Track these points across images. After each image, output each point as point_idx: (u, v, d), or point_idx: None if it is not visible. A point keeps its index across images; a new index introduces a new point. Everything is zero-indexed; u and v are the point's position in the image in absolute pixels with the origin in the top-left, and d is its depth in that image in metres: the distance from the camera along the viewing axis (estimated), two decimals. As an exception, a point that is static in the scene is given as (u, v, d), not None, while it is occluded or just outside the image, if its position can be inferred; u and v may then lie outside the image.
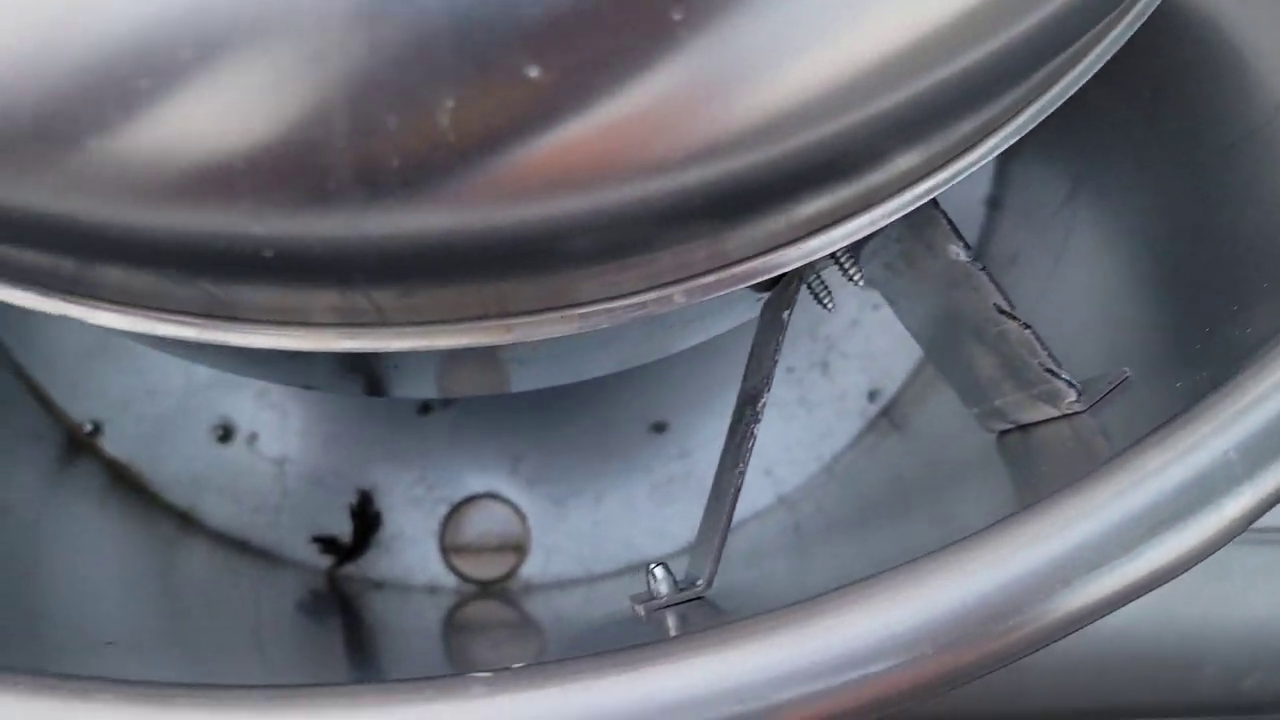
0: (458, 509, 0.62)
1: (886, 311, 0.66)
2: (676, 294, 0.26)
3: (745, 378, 0.33)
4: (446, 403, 0.63)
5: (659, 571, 0.31)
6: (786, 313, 0.29)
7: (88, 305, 0.25)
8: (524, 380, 0.40)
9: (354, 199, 0.20)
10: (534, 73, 0.19)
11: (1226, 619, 0.57)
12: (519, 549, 0.63)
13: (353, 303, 0.24)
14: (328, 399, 0.62)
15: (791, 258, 0.26)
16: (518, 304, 0.26)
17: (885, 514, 0.59)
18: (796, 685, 0.21)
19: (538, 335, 0.26)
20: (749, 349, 0.64)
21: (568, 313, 0.26)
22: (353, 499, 0.61)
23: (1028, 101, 0.26)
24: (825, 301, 0.33)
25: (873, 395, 0.65)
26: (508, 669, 0.21)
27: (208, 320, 0.25)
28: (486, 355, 0.36)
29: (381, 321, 0.25)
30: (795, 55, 0.21)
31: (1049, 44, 0.24)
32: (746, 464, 0.30)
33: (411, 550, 0.61)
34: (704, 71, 0.20)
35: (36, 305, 0.24)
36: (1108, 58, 0.27)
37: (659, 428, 0.64)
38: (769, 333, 0.30)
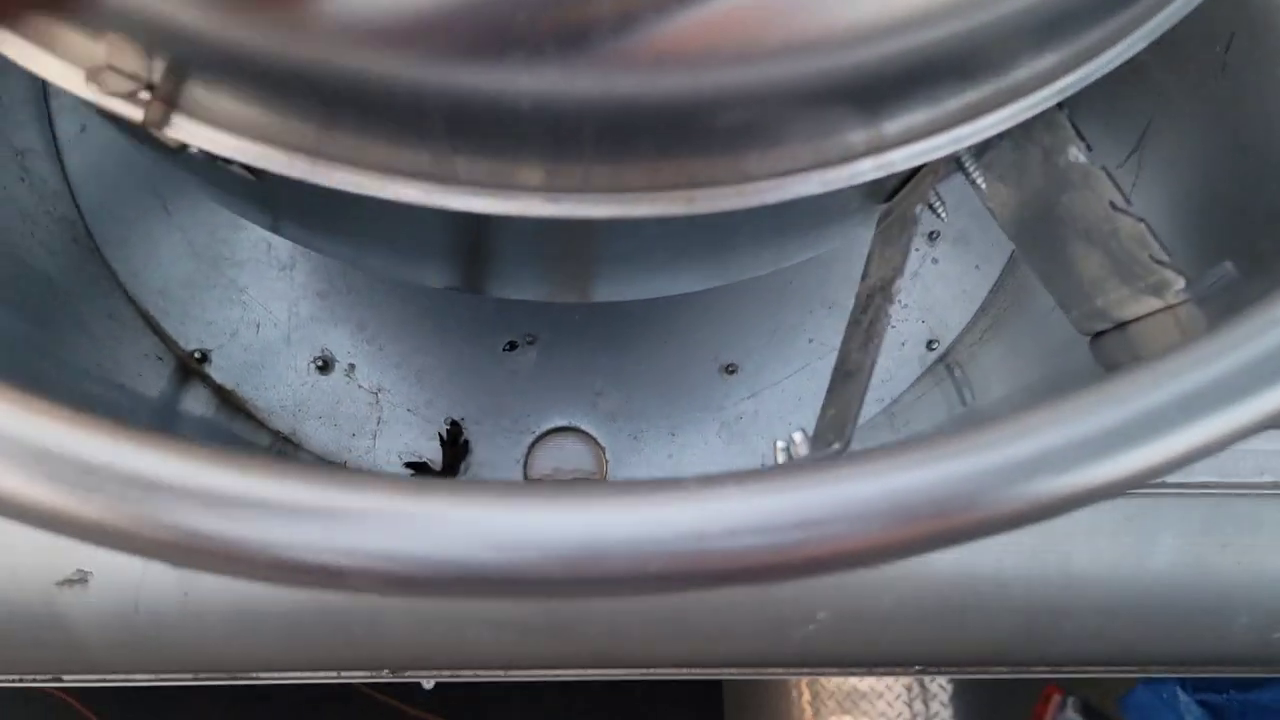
0: (540, 440, 0.66)
1: (945, 265, 0.69)
2: (840, 175, 0.29)
3: (866, 276, 0.36)
4: (531, 340, 0.66)
5: (798, 436, 0.34)
6: (919, 207, 0.33)
7: (326, 166, 0.28)
8: (660, 281, 0.44)
9: (556, 57, 0.23)
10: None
11: (1259, 572, 0.60)
12: (597, 478, 0.66)
13: (562, 169, 0.28)
14: (422, 335, 0.66)
15: (941, 144, 0.29)
16: (699, 176, 0.29)
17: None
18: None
19: (716, 206, 0.29)
20: (814, 296, 0.67)
21: (743, 186, 0.29)
22: (443, 428, 0.65)
23: (1151, 14, 0.30)
24: (940, 211, 0.36)
25: (931, 344, 0.68)
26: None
27: (430, 183, 0.28)
28: (589, 253, 0.39)
29: (585, 187, 0.28)
30: None
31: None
32: (881, 340, 0.33)
33: (497, 477, 0.65)
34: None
35: (282, 167, 0.28)
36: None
37: (730, 369, 0.67)
38: (897, 229, 0.33)
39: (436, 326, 0.67)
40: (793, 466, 0.25)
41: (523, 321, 0.67)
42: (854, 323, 0.37)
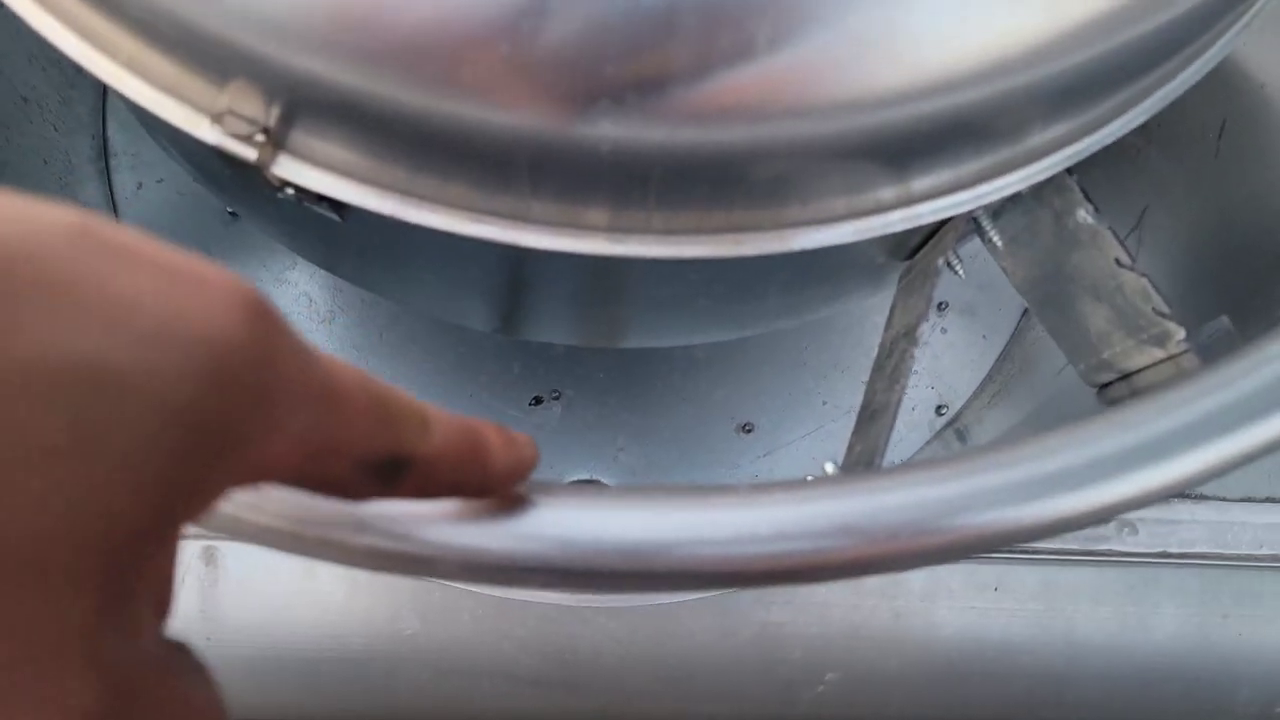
0: (562, 493, 0.68)
1: (953, 335, 0.73)
2: (872, 225, 0.32)
3: (889, 326, 0.39)
4: (557, 395, 0.69)
5: (829, 466, 0.37)
6: (941, 260, 0.36)
7: (415, 205, 0.31)
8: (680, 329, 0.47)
9: (636, 106, 0.27)
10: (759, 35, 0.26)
11: (1260, 645, 0.62)
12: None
13: (626, 213, 0.31)
14: (452, 388, 0.69)
15: (963, 200, 0.33)
16: (744, 222, 0.32)
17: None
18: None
19: (760, 249, 0.32)
20: (828, 360, 0.70)
21: (784, 232, 0.32)
22: (468, 478, 0.67)
23: (1166, 79, 0.33)
24: (956, 268, 0.40)
25: (940, 409, 0.71)
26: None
27: (507, 222, 0.31)
28: (624, 297, 0.42)
29: (645, 229, 0.31)
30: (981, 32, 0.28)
31: (1188, 33, 0.31)
32: (905, 384, 0.36)
33: (519, 528, 0.67)
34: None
35: (376, 205, 0.31)
36: (1227, 51, 0.34)
37: (747, 429, 0.70)
38: (919, 280, 0.37)
39: (466, 380, 0.70)
40: (833, 478, 0.28)
41: (548, 378, 0.70)
42: (878, 368, 0.40)
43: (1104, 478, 0.28)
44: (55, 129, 0.60)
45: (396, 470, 0.18)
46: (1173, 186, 0.57)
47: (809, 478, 0.33)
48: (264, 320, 0.14)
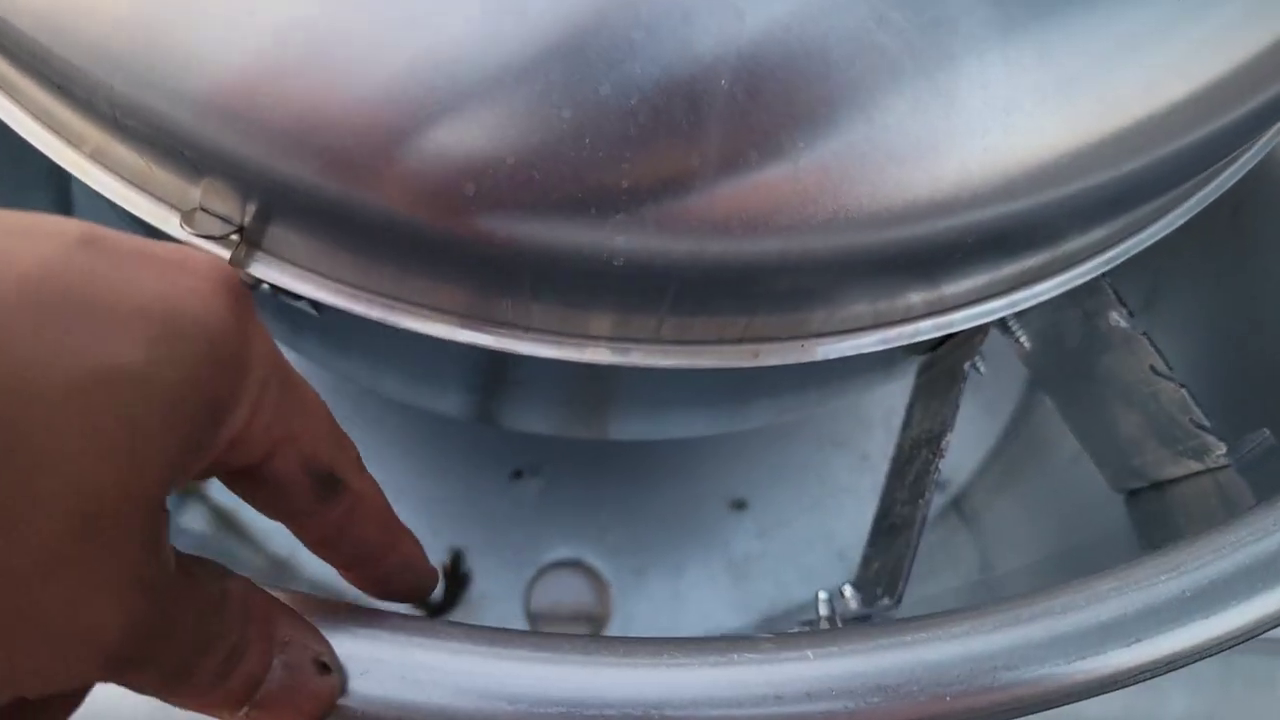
0: (543, 573, 0.65)
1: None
2: (900, 334, 0.30)
3: (908, 426, 0.37)
4: (536, 470, 0.66)
5: (847, 589, 0.34)
6: (968, 364, 0.33)
7: (403, 312, 0.28)
8: (677, 424, 0.44)
9: (653, 219, 0.24)
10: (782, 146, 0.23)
11: None
12: (599, 616, 0.65)
13: (634, 320, 0.28)
14: (427, 460, 0.65)
15: (998, 307, 0.30)
16: (763, 332, 0.30)
17: (948, 597, 0.62)
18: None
19: (780, 360, 0.30)
20: (824, 436, 0.68)
21: (806, 342, 0.30)
22: (445, 558, 0.64)
23: (1200, 186, 0.31)
24: (980, 366, 0.37)
25: (942, 486, 0.68)
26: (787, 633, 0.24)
27: (504, 330, 0.29)
28: (615, 396, 0.40)
29: (655, 339, 0.29)
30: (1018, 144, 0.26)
31: (1243, 135, 0.28)
32: (931, 495, 0.33)
33: (497, 610, 0.64)
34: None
35: (362, 310, 0.28)
36: (1260, 157, 0.32)
37: (739, 505, 0.67)
38: (944, 383, 0.34)
39: (441, 453, 0.66)
40: (866, 627, 0.25)
41: (528, 451, 0.67)
42: (896, 474, 0.37)
43: (1160, 628, 0.25)
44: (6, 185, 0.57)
45: (333, 487, 0.21)
46: (1186, 258, 0.55)
47: (832, 622, 0.30)
48: (242, 299, 0.18)
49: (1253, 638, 0.26)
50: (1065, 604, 0.25)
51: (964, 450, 0.68)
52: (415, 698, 0.22)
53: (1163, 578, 0.26)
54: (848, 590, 0.34)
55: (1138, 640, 0.25)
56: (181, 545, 0.51)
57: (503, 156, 0.23)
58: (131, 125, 0.24)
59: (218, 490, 0.62)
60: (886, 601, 0.33)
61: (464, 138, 0.23)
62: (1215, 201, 0.51)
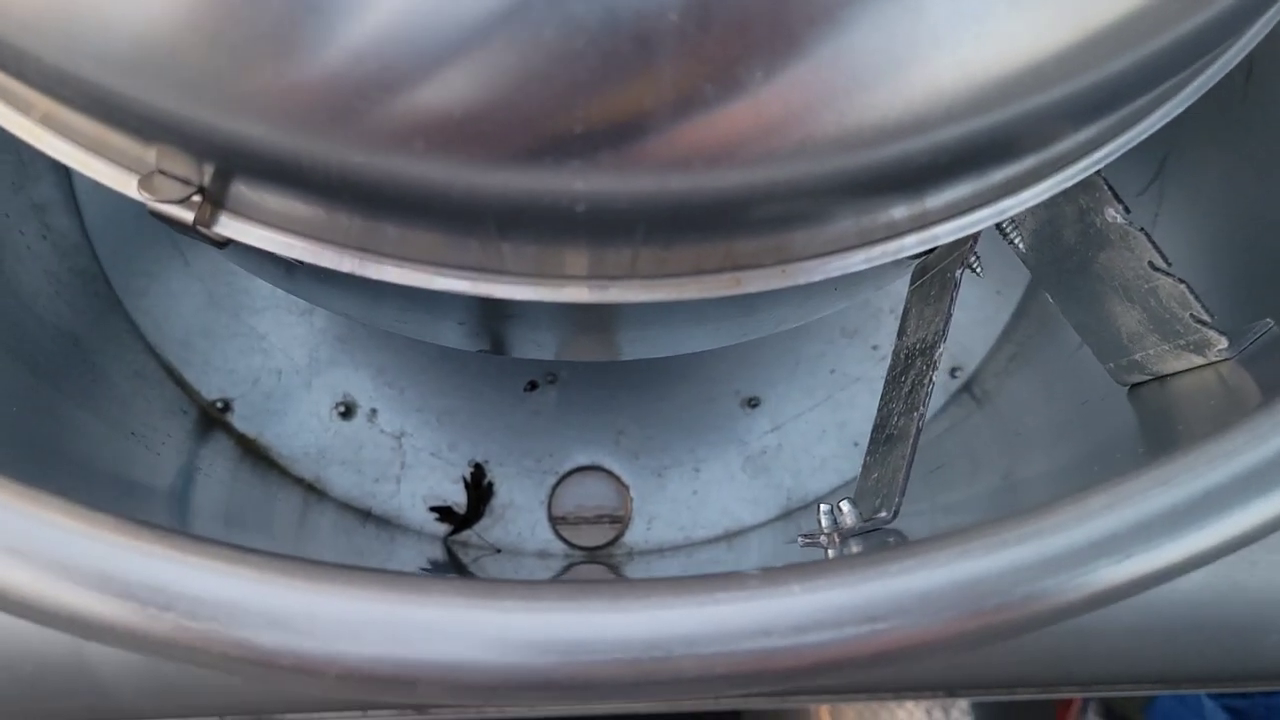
0: (564, 480, 0.66)
1: (964, 291, 0.69)
2: (884, 251, 0.29)
3: (903, 334, 0.36)
4: (552, 379, 0.66)
5: (845, 505, 0.34)
6: (959, 270, 0.33)
7: (374, 261, 0.28)
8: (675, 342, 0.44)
9: (610, 161, 0.23)
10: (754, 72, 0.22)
11: None
12: (622, 518, 0.66)
13: (609, 256, 0.28)
14: (442, 377, 0.66)
15: (985, 217, 0.29)
16: (744, 259, 0.29)
17: (958, 476, 0.63)
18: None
19: (762, 287, 0.29)
20: (835, 327, 0.67)
21: (788, 266, 0.29)
22: (467, 471, 0.65)
23: (1194, 76, 0.30)
24: (976, 268, 0.36)
25: (954, 371, 0.68)
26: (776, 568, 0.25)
27: (477, 274, 0.28)
28: (615, 321, 0.39)
29: (631, 273, 0.28)
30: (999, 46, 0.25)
31: (1217, 34, 0.27)
32: (925, 410, 0.33)
33: (522, 519, 0.65)
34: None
35: (331, 263, 0.28)
36: (1259, 40, 0.30)
37: (752, 403, 0.67)
38: (936, 290, 0.33)
39: (456, 369, 0.67)
40: (853, 558, 0.25)
41: (542, 362, 0.67)
42: (893, 381, 0.37)
43: (1160, 539, 0.25)
44: (10, 176, 0.56)
45: None
46: (1196, 130, 0.53)
47: (829, 554, 0.30)
48: None
49: (1249, 545, 0.26)
50: (1056, 524, 0.25)
51: (975, 334, 0.68)
52: (406, 654, 0.23)
53: (1154, 491, 0.26)
54: (845, 505, 0.34)
55: (1128, 556, 0.25)
56: (208, 480, 0.52)
57: (449, 110, 0.22)
58: (68, 94, 0.24)
59: (241, 420, 0.63)
60: (884, 515, 0.33)
61: (408, 93, 0.22)
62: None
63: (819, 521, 0.36)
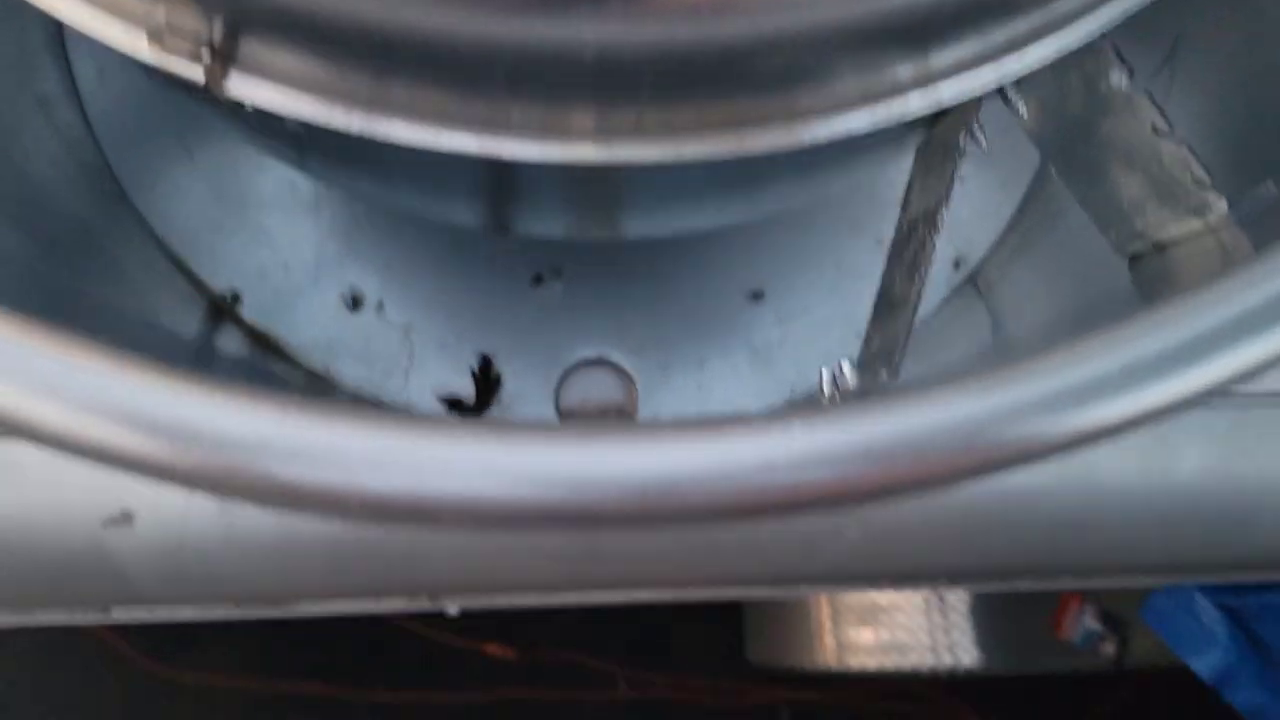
0: (570, 372, 0.67)
1: (969, 183, 0.69)
2: (889, 109, 0.29)
3: (908, 205, 0.37)
4: (558, 272, 0.67)
5: (845, 365, 0.35)
6: (963, 135, 0.33)
7: (382, 118, 0.28)
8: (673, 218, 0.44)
9: (619, 6, 0.24)
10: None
11: None
12: (627, 411, 0.67)
13: (614, 114, 0.28)
14: (449, 271, 0.66)
15: (989, 78, 0.30)
16: (748, 116, 0.29)
17: (959, 365, 0.63)
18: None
19: (767, 145, 0.29)
20: (840, 220, 0.67)
21: (793, 124, 0.29)
22: (474, 362, 0.66)
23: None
24: (980, 139, 0.37)
25: (957, 263, 0.68)
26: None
27: (484, 131, 0.28)
28: (620, 193, 0.40)
29: (636, 131, 0.29)
30: None
31: None
32: (926, 274, 0.33)
33: (529, 410, 0.66)
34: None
35: (340, 122, 0.28)
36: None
37: (756, 296, 0.68)
38: (939, 157, 0.34)
39: (463, 261, 0.67)
40: (852, 402, 0.26)
41: (548, 255, 0.67)
42: (896, 253, 0.37)
43: (1149, 380, 0.26)
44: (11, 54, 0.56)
45: None
46: (1210, 11, 0.52)
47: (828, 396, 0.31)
48: None
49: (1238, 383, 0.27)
50: (1049, 366, 0.26)
51: (979, 226, 0.68)
52: (428, 487, 0.24)
53: (1149, 335, 0.27)
54: (845, 365, 0.35)
55: (1118, 395, 0.26)
56: (220, 369, 0.54)
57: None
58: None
59: (252, 310, 0.64)
60: (885, 377, 0.34)
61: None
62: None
63: (821, 386, 0.37)
